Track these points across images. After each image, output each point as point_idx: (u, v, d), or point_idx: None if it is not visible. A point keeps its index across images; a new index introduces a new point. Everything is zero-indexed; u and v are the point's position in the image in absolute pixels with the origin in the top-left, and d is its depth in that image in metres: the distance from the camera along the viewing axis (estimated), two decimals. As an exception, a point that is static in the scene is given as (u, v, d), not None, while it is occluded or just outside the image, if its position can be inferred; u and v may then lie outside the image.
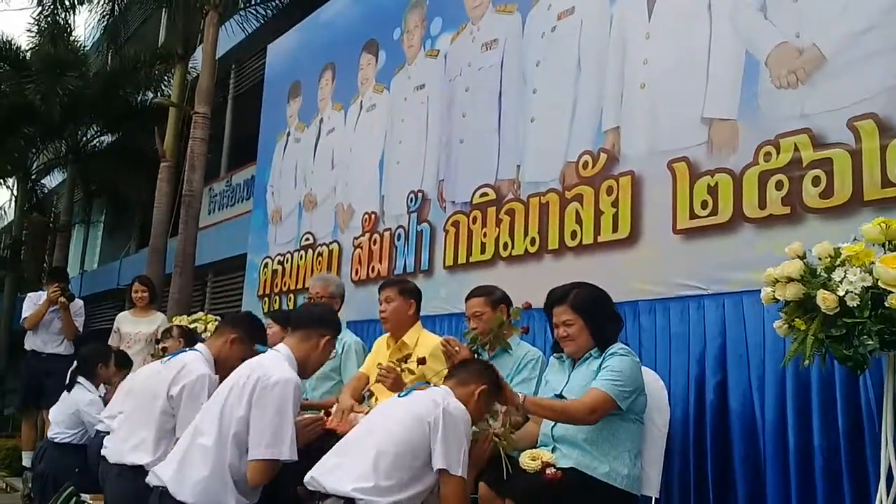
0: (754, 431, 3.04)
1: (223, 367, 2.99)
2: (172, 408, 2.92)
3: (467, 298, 3.48)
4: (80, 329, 6.61)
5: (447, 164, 5.06)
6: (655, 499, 2.93)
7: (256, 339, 3.13)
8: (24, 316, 6.75)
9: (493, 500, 2.81)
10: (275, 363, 2.73)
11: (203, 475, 2.54)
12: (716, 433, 3.16)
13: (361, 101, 6.06)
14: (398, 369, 3.39)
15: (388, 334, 3.89)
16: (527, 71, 4.59)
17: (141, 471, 2.80)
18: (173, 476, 2.58)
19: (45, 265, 14.33)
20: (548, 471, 2.74)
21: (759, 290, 2.57)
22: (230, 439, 2.58)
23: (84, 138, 13.05)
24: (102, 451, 3.18)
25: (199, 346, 3.17)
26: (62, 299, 6.34)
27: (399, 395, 2.75)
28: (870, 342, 2.17)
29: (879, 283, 2.18)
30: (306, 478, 2.52)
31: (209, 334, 5.28)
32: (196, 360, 3.01)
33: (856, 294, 2.20)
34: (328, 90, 6.51)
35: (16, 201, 15.47)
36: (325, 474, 2.46)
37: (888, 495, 2.19)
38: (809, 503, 2.81)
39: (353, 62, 6.20)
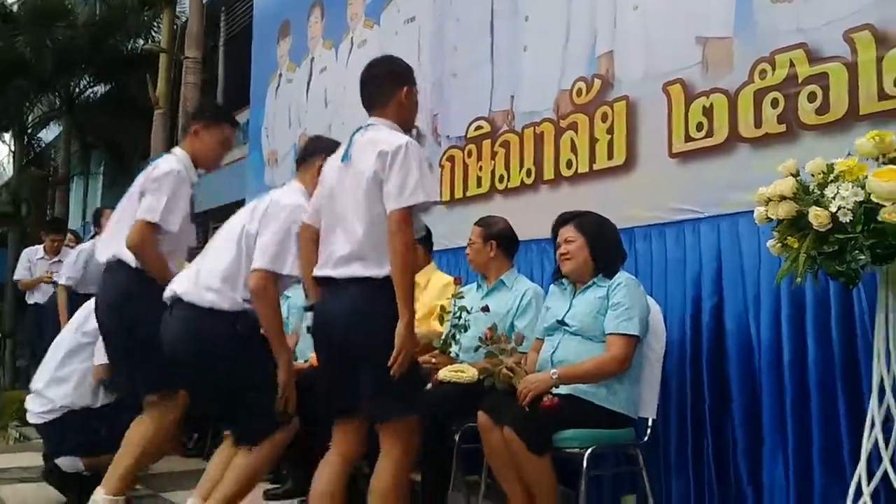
0: (750, 350, 3.05)
1: None
2: None
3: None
4: None
5: (441, 99, 4.98)
6: (653, 420, 2.98)
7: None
8: (18, 275, 6.79)
9: (491, 429, 2.86)
10: (286, 193, 2.94)
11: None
12: (712, 353, 3.18)
13: (352, 38, 5.94)
14: None
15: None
16: (518, -3, 4.47)
17: None
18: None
19: (46, 218, 14.35)
20: (545, 398, 2.78)
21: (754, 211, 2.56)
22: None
23: (77, 89, 12.91)
24: None
25: None
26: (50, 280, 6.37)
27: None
28: (862, 257, 2.14)
29: (872, 198, 2.15)
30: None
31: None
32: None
33: (848, 209, 2.17)
34: (318, 28, 6.39)
35: (14, 156, 15.41)
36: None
37: (880, 407, 2.20)
38: (804, 416, 2.83)
39: (342, -1, 6.06)
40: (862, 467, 2.17)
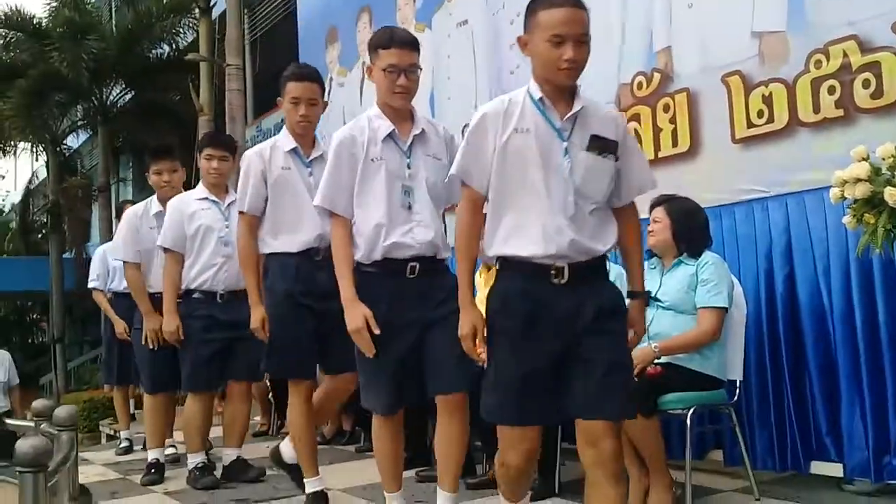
0: (822, 314, 3.41)
1: None
2: None
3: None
4: None
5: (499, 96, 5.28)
6: (739, 381, 3.35)
7: None
8: (92, 279, 5.75)
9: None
10: None
11: None
12: (787, 319, 3.53)
13: (403, 41, 6.24)
14: None
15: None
16: (572, -2, 4.77)
17: None
18: None
19: (88, 225, 14.80)
20: (649, 368, 3.15)
21: (820, 189, 2.97)
22: None
23: (109, 99, 13.26)
24: None
25: None
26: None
27: None
28: (933, 227, 2.51)
29: (939, 176, 2.51)
30: None
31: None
32: None
33: (919, 187, 2.53)
34: (367, 34, 6.68)
35: (47, 165, 15.82)
36: None
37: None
38: (878, 373, 3.19)
39: (390, 4, 6.36)
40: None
